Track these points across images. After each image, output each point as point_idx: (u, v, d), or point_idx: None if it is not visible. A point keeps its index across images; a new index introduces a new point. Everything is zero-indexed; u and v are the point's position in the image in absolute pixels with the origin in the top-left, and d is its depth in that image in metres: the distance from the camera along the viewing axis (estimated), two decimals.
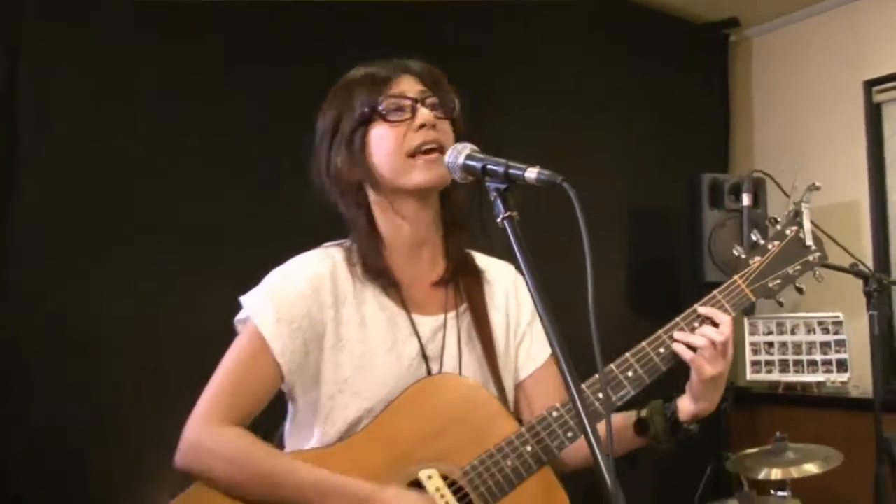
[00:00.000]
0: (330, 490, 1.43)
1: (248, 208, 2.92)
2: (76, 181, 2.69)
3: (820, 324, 3.90)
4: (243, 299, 1.56)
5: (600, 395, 1.49)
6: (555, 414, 1.51)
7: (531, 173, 1.28)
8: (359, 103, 1.53)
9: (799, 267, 1.66)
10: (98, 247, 2.67)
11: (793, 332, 3.95)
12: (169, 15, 2.78)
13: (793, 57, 4.29)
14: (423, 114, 1.53)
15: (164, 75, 2.85)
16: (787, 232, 1.67)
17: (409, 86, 1.55)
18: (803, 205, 1.70)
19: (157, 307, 2.69)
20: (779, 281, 1.64)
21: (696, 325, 1.56)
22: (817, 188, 1.70)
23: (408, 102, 1.53)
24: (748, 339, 4.03)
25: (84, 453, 2.56)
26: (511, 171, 1.30)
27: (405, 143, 1.52)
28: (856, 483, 3.09)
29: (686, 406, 1.57)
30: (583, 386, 1.45)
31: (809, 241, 1.67)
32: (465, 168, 1.38)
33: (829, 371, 3.87)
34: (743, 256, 1.65)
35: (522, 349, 1.69)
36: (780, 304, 1.68)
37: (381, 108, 1.53)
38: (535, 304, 1.27)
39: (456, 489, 1.48)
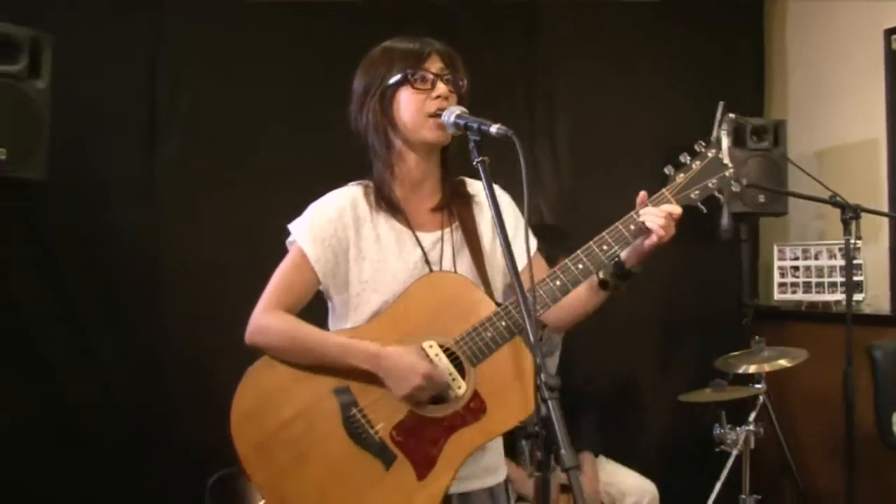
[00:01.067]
0: (350, 350, 1.89)
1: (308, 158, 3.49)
2: (207, 132, 3.37)
3: (840, 250, 4.16)
4: (290, 226, 2.00)
5: (557, 283, 1.89)
6: None
7: (493, 128, 1.72)
8: (396, 70, 1.93)
9: (715, 181, 2.00)
10: (221, 191, 3.37)
11: (816, 258, 4.35)
12: None
13: (822, 8, 4.49)
14: (441, 88, 1.93)
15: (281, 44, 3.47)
16: (709, 154, 2.01)
17: (434, 63, 1.94)
18: (722, 131, 2.18)
19: (254, 230, 3.26)
20: (698, 192, 1.98)
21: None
22: (732, 119, 2.19)
23: (431, 77, 1.93)
24: (776, 263, 4.47)
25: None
26: (482, 127, 1.76)
27: (424, 107, 1.92)
28: (829, 379, 3.59)
29: (630, 256, 1.94)
30: (556, 270, 1.90)
31: (726, 161, 2.01)
32: (454, 124, 1.86)
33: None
34: (671, 173, 2.01)
35: None
36: (703, 210, 2.02)
37: (411, 77, 1.93)
38: (496, 226, 1.69)
39: (449, 354, 1.89)
